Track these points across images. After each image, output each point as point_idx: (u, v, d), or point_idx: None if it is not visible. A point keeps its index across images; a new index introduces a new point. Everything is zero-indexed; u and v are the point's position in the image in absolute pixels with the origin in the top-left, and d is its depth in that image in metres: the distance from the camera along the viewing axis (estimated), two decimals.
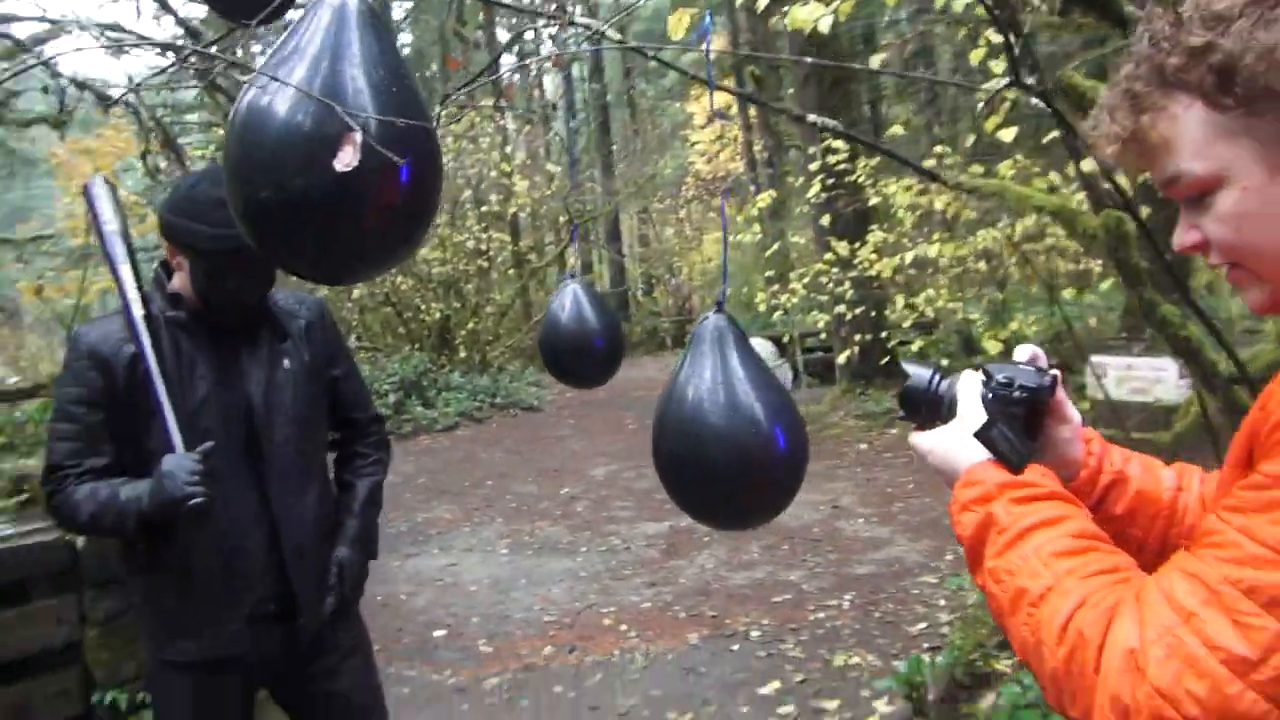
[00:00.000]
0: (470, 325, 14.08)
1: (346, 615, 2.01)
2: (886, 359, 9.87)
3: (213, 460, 1.72)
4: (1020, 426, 0.91)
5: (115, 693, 3.10)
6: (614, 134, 23.57)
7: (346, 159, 0.91)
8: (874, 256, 7.97)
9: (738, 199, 22.33)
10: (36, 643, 3.01)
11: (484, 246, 14.12)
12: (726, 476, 1.42)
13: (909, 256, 6.78)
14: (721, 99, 20.85)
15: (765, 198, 9.84)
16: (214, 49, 2.46)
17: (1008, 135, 3.20)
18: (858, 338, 9.36)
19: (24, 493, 3.27)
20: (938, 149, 6.94)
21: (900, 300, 8.27)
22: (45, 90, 5.06)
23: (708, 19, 1.45)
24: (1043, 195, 3.43)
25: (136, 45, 4.62)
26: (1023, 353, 0.99)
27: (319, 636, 1.95)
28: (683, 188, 23.70)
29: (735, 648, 4.22)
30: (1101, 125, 0.81)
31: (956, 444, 0.93)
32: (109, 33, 7.37)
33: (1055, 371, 0.96)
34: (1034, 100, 2.22)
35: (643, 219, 24.83)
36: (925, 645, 3.98)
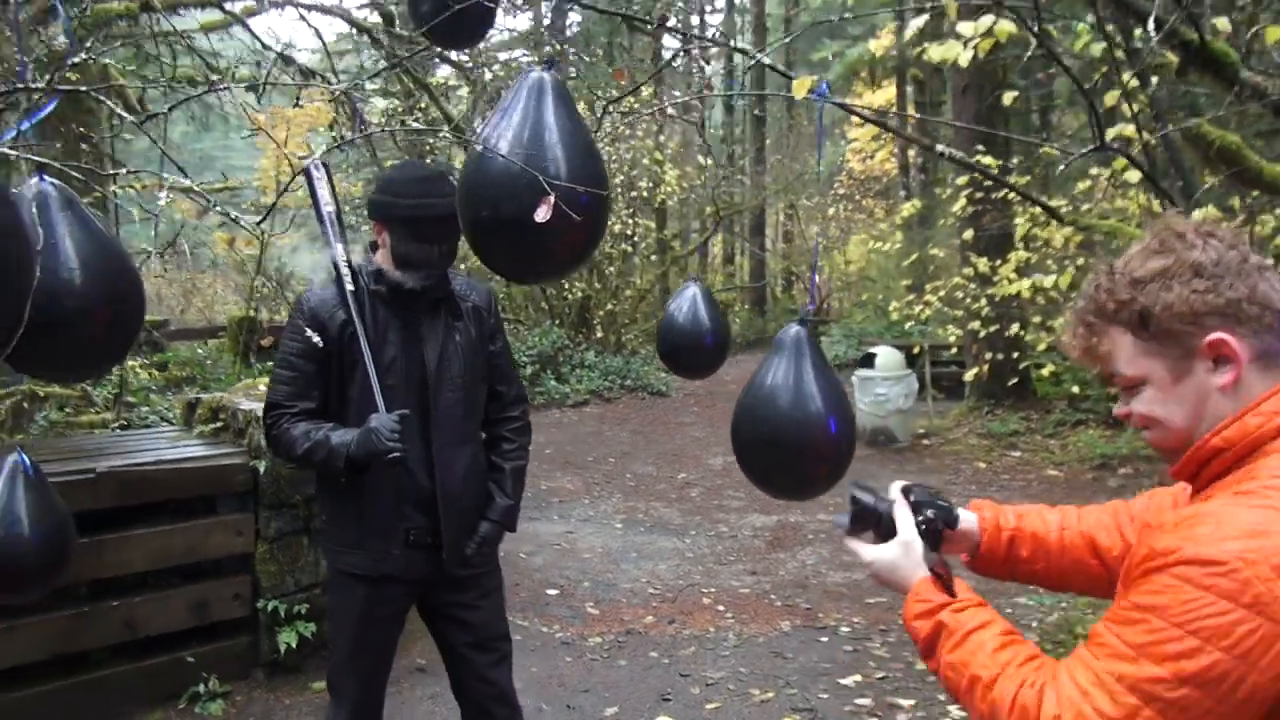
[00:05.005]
0: (609, 307, 14.50)
1: (489, 564, 2.40)
2: (1016, 380, 9.73)
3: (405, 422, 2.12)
4: (938, 544, 1.36)
5: (277, 602, 3.61)
6: (769, 126, 23.59)
7: (543, 214, 1.31)
8: (1014, 275, 7.90)
9: (887, 202, 22.01)
10: (220, 550, 3.55)
11: (630, 231, 14.40)
12: (788, 452, 1.76)
13: (1048, 281, 6.73)
14: (885, 96, 20.62)
15: (910, 207, 9.81)
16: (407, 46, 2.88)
17: (1133, 177, 3.31)
18: (989, 355, 9.25)
19: (219, 421, 3.81)
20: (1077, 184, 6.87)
21: (1037, 321, 8.17)
22: (258, 64, 5.72)
23: (824, 85, 1.74)
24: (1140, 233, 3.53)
25: (352, 38, 5.16)
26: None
27: (467, 577, 2.35)
28: (833, 185, 23.50)
29: (824, 639, 4.45)
30: (1067, 338, 1.22)
31: (901, 562, 1.34)
32: (314, 11, 8.15)
33: (950, 505, 1.42)
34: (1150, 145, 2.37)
35: (788, 214, 24.73)
36: None
